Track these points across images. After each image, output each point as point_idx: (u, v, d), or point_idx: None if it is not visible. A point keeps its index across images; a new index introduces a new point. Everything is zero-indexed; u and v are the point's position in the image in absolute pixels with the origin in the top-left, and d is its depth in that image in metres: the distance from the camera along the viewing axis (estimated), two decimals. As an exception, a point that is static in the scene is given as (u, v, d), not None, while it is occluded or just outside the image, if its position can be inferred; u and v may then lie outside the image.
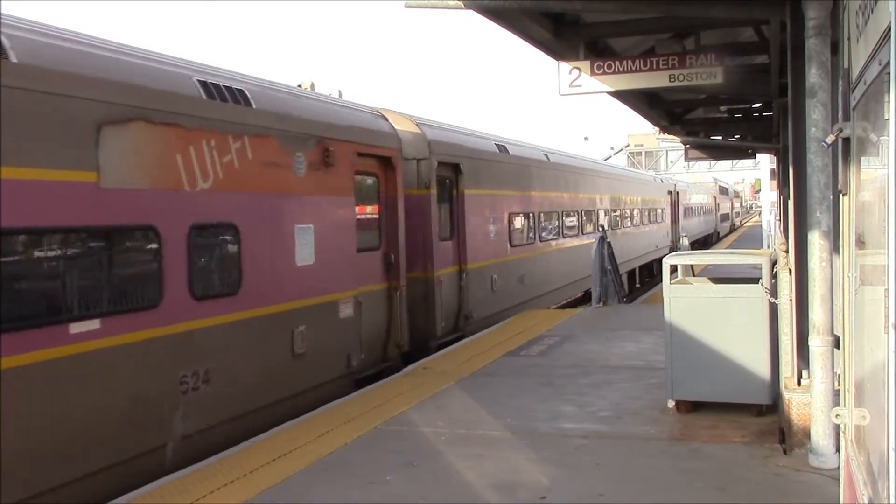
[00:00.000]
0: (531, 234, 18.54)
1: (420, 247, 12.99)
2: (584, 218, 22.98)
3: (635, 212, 30.24)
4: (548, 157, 20.12)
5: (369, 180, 11.47)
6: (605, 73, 9.79)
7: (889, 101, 2.42)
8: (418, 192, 13.00)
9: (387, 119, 12.14)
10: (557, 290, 20.24)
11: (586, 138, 67.65)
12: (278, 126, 9.10)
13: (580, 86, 9.88)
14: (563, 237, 20.95)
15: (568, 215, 21.45)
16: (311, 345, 9.46)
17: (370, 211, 11.60)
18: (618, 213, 27.40)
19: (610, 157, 57.25)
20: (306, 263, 9.47)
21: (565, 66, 9.91)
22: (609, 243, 18.73)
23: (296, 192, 9.41)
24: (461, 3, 8.01)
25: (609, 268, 18.44)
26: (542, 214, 19.17)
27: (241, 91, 8.63)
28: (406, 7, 8.32)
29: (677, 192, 40.76)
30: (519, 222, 17.78)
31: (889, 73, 2.42)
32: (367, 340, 10.92)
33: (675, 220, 39.78)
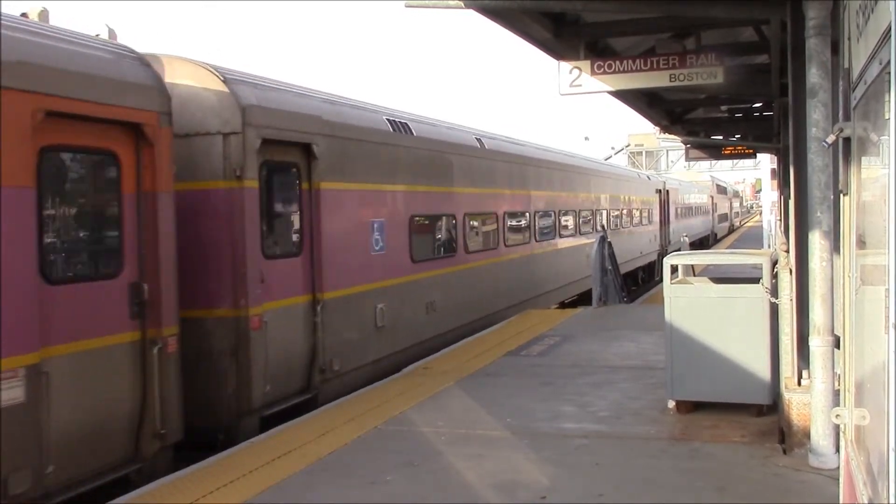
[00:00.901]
0: (450, 244, 14.06)
1: (226, 270, 8.54)
2: (538, 221, 18.56)
3: (614, 213, 25.87)
4: (481, 143, 15.54)
5: (92, 160, 7.15)
6: (605, 72, 9.80)
7: (889, 101, 2.42)
8: (225, 184, 8.57)
9: (149, 66, 7.60)
10: (494, 314, 15.54)
11: (587, 138, 67.57)
12: None
13: (580, 85, 9.88)
14: (506, 246, 16.46)
15: (512, 218, 17.08)
16: None
17: (95, 212, 7.29)
18: (588, 214, 22.81)
19: (610, 157, 57.26)
20: None
21: (565, 65, 9.91)
22: (609, 243, 18.74)
23: None
24: (461, 3, 8.01)
25: (609, 267, 18.46)
26: (469, 217, 14.68)
27: None
28: (406, 7, 8.32)
29: (667, 191, 37.13)
30: (428, 228, 13.48)
31: (889, 73, 2.41)
32: (69, 439, 6.43)
33: (664, 221, 35.90)
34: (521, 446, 7.40)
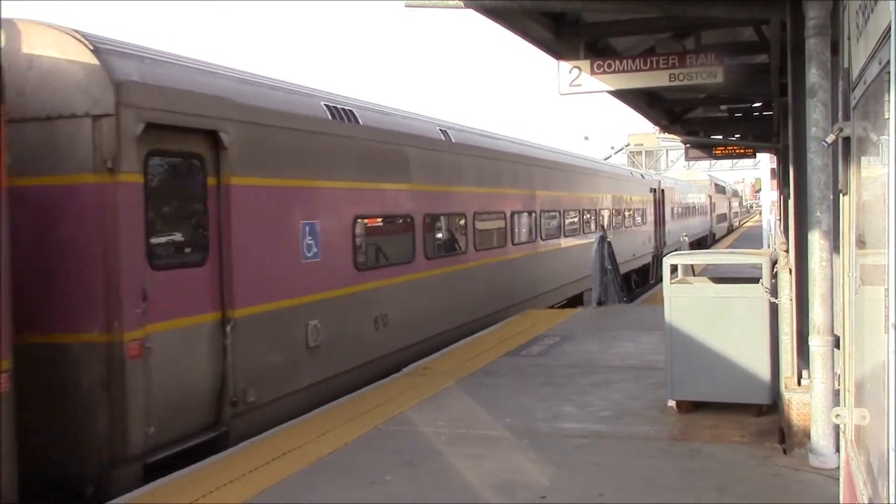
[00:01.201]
0: (406, 249, 12.25)
1: (95, 285, 6.91)
2: (516, 222, 16.89)
3: (603, 213, 24.32)
4: (447, 136, 13.78)
5: None
6: (605, 72, 9.81)
7: (889, 101, 2.42)
8: (95, 178, 6.93)
9: None
10: (464, 325, 13.94)
11: (586, 138, 67.56)
12: None
13: (580, 85, 9.89)
14: (476, 250, 14.70)
15: (485, 219, 15.28)
16: None
17: None
18: (575, 214, 21.25)
19: (610, 157, 57.23)
20: None
21: (565, 65, 9.92)
22: (609, 243, 18.75)
23: None
24: (461, 3, 8.02)
25: (609, 267, 18.47)
26: (430, 219, 12.95)
27: None
28: (406, 6, 8.33)
29: (662, 191, 35.40)
30: (378, 231, 11.88)
31: (889, 73, 2.42)
32: None
33: (659, 222, 34.30)
34: (521, 446, 7.40)
